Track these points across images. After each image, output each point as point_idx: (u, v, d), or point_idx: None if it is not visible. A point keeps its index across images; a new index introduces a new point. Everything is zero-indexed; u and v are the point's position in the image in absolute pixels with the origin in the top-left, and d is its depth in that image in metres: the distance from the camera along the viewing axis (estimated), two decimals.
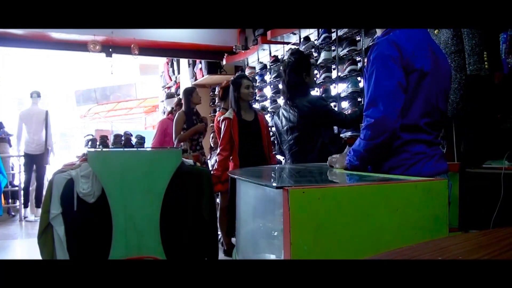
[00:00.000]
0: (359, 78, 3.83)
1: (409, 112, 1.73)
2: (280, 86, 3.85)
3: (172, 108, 5.41)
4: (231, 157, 3.91)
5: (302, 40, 4.63)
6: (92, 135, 6.43)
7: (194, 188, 3.15)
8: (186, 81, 8.13)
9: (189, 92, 4.84)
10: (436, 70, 1.75)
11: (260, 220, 1.86)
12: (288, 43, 5.11)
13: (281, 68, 3.61)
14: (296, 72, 3.02)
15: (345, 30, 3.93)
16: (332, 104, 4.15)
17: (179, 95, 8.30)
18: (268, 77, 5.46)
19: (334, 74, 4.11)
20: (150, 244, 2.95)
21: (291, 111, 3.01)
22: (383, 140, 1.68)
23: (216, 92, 7.09)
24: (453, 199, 2.49)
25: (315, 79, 4.24)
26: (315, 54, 4.36)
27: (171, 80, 9.02)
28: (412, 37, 1.74)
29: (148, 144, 5.75)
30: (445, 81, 1.85)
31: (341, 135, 3.72)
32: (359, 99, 3.81)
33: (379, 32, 1.95)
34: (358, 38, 3.87)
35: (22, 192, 6.89)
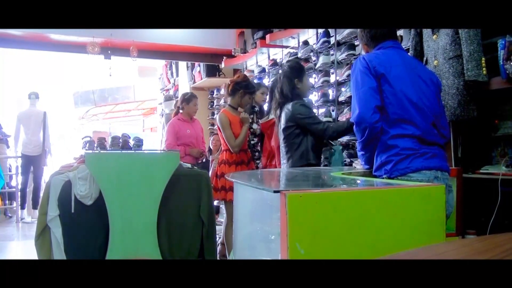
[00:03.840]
0: None
1: (392, 108, 1.96)
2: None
3: (178, 107, 5.12)
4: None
5: (301, 44, 4.64)
6: (90, 137, 6.40)
7: (192, 191, 3.15)
8: (184, 84, 8.14)
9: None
10: (410, 77, 1.99)
11: (258, 223, 1.86)
12: (287, 46, 5.12)
13: (279, 74, 3.58)
14: (289, 78, 3.09)
15: (344, 34, 3.94)
16: (330, 108, 4.16)
17: (177, 97, 8.30)
18: (266, 81, 5.47)
19: (332, 78, 4.12)
20: (147, 246, 2.95)
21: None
22: (368, 135, 1.95)
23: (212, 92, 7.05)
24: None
25: (313, 83, 4.26)
26: (313, 58, 4.37)
27: (170, 82, 9.02)
28: (381, 55, 2.05)
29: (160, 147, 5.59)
30: (428, 87, 2.05)
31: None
32: None
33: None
34: (356, 43, 3.88)
35: (19, 193, 6.87)
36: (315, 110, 4.41)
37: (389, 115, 1.95)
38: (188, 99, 4.95)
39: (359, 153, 2.10)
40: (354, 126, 2.02)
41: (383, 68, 1.96)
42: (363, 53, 2.26)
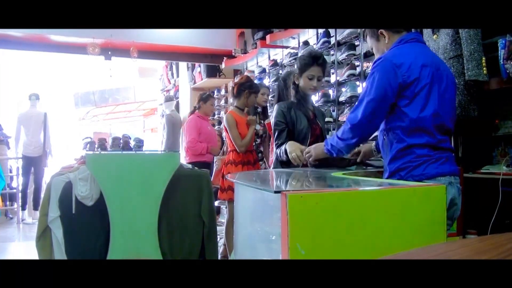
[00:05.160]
0: (357, 83, 3.84)
1: (412, 115, 1.84)
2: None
3: (195, 107, 5.15)
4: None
5: (301, 44, 4.64)
6: (91, 138, 6.41)
7: (192, 191, 3.15)
8: (185, 84, 8.14)
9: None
10: (436, 79, 1.86)
11: (258, 224, 1.86)
12: (287, 47, 5.12)
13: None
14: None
15: (344, 34, 3.94)
16: (331, 109, 4.16)
17: (178, 98, 8.30)
18: (267, 81, 5.47)
19: (333, 78, 4.12)
20: (148, 247, 2.95)
21: None
22: (356, 141, 1.96)
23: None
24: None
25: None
26: None
27: (170, 83, 9.03)
28: (409, 55, 1.87)
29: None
30: (447, 88, 1.92)
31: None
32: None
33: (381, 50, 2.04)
34: (357, 43, 3.88)
35: (20, 194, 6.87)
36: None
37: (408, 122, 1.85)
38: (205, 98, 5.02)
39: (335, 149, 2.05)
40: (347, 124, 1.94)
41: (413, 74, 1.82)
42: (378, 45, 2.05)
